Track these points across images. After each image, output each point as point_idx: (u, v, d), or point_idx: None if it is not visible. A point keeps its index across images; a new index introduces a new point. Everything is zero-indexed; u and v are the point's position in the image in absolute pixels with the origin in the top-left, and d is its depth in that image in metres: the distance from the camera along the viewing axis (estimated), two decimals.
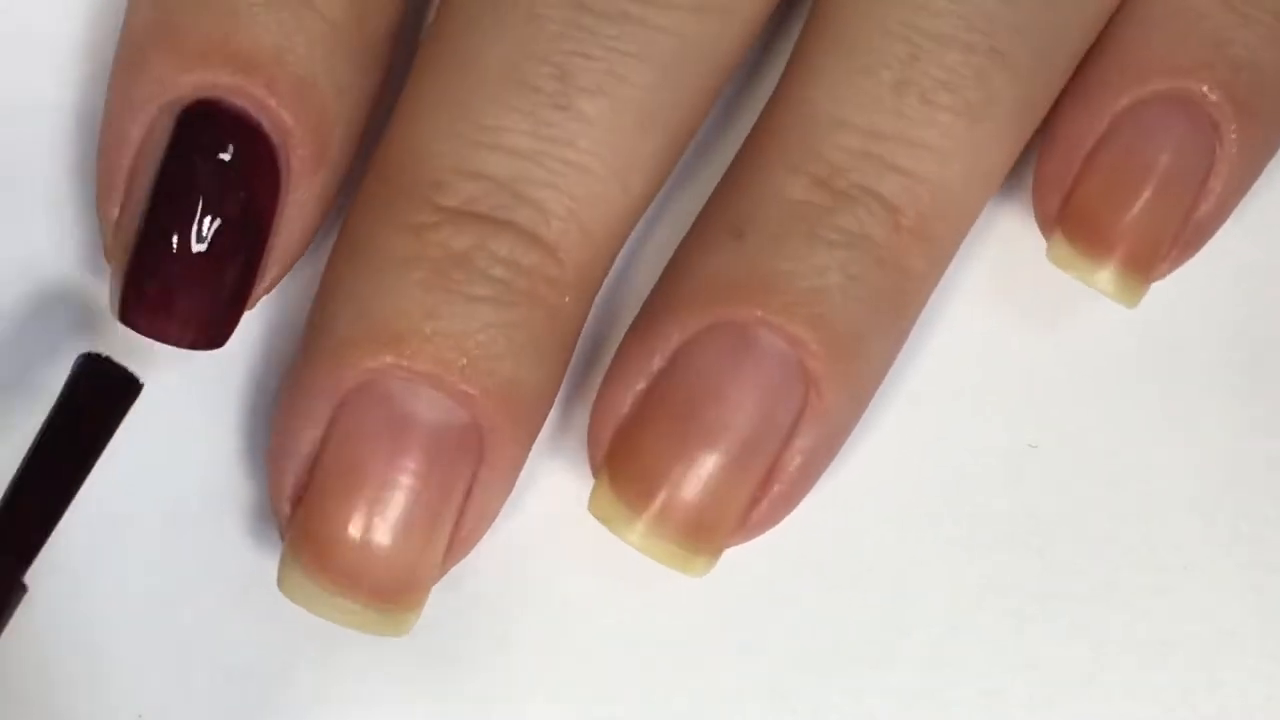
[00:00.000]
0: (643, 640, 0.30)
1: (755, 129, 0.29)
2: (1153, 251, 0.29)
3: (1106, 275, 0.29)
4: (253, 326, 0.29)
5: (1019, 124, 0.28)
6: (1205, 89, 0.28)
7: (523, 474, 0.28)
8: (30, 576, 0.26)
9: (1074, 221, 0.29)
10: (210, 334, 0.27)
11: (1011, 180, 0.31)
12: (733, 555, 0.30)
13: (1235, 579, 0.30)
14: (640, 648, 0.30)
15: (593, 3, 0.27)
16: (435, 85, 0.27)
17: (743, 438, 0.28)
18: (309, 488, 0.27)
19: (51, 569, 0.28)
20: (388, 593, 0.27)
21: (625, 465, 0.28)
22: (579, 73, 0.27)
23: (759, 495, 0.28)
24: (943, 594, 0.30)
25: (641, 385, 0.28)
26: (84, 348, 0.27)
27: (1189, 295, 0.31)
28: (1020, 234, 0.31)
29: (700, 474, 0.28)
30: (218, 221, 0.27)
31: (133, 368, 0.27)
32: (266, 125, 0.27)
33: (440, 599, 0.29)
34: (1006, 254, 0.31)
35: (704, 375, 0.27)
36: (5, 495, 0.26)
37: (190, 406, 0.29)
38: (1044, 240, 0.30)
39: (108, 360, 0.27)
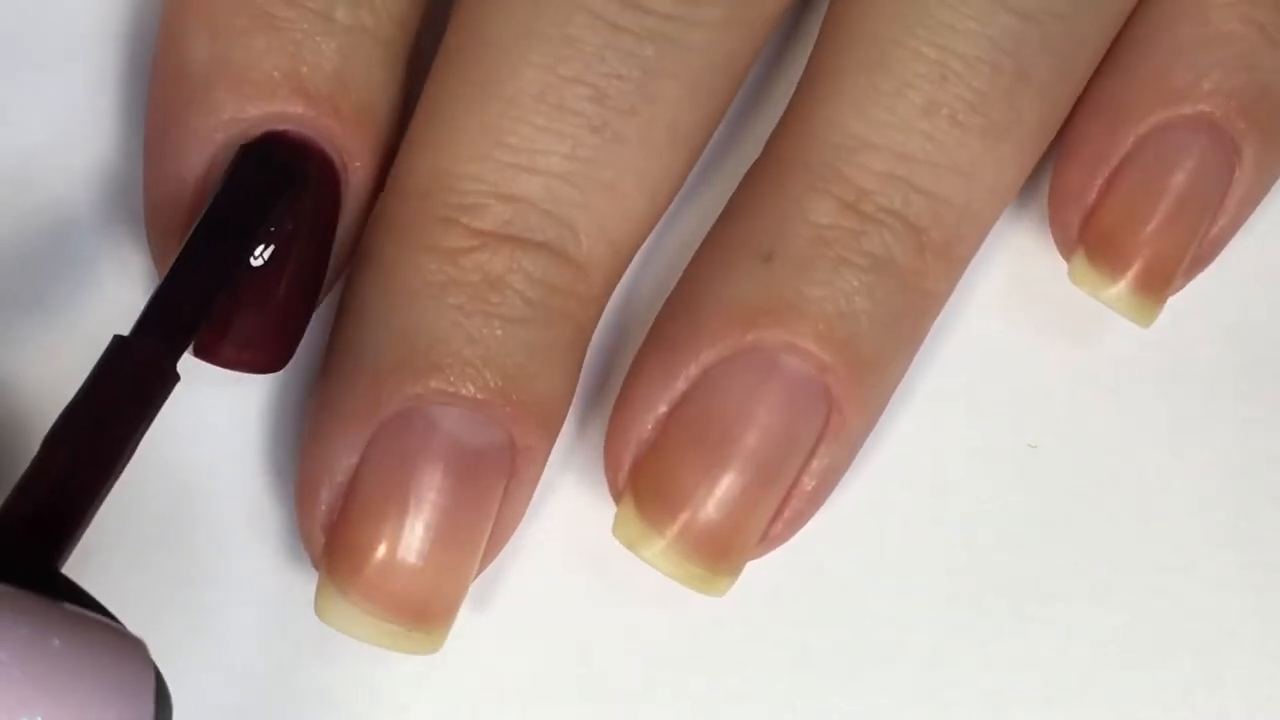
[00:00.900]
0: (643, 641, 0.30)
1: (776, 147, 0.29)
2: (1171, 271, 0.29)
3: (1127, 295, 0.29)
4: None
5: (1039, 141, 0.29)
6: (1231, 113, 0.29)
7: None
8: None
9: (1096, 242, 0.29)
10: (279, 358, 0.28)
11: None
12: None
13: (1235, 579, 0.30)
14: (640, 648, 0.30)
15: (628, 24, 0.27)
16: (465, 108, 0.27)
17: (767, 459, 0.28)
18: (346, 514, 0.27)
19: None
20: (429, 613, 0.27)
21: (651, 489, 0.28)
22: (615, 94, 0.27)
23: (777, 514, 0.28)
24: (943, 594, 0.30)
25: (664, 408, 0.28)
26: None
27: (1189, 296, 0.31)
28: (1020, 236, 0.31)
29: (726, 495, 0.28)
30: (286, 248, 0.27)
31: None
32: (330, 150, 0.27)
33: None
34: (1006, 256, 0.31)
35: (730, 398, 0.28)
36: (159, 285, 0.26)
37: (193, 413, 0.29)
38: (1045, 244, 0.30)
39: (268, 150, 0.27)
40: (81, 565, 0.28)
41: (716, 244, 0.29)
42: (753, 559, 0.29)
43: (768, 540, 0.29)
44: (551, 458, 0.28)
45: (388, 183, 0.28)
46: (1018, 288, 0.31)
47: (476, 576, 0.28)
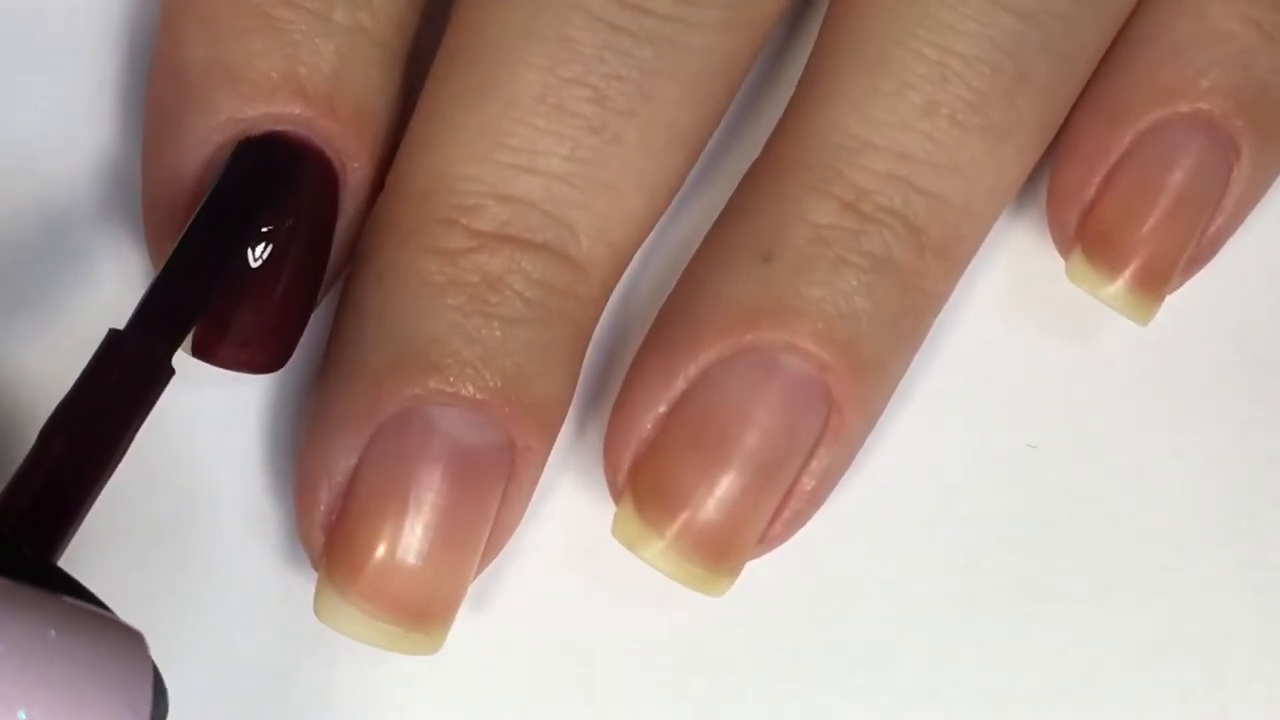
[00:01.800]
0: (643, 641, 0.30)
1: (775, 148, 0.29)
2: (1169, 269, 0.29)
3: (1125, 293, 0.29)
4: None
5: (1039, 141, 0.29)
6: (1230, 111, 0.29)
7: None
8: None
9: (1094, 240, 0.29)
10: (278, 358, 0.28)
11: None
12: None
13: (1235, 579, 0.30)
14: (640, 648, 0.30)
15: (626, 24, 0.27)
16: (464, 110, 0.27)
17: (767, 459, 0.28)
18: (346, 514, 0.27)
19: None
20: (428, 614, 0.27)
21: (650, 489, 0.28)
22: (614, 95, 0.27)
23: (777, 514, 0.28)
24: (943, 594, 0.30)
25: (663, 408, 0.28)
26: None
27: (1189, 295, 0.31)
28: (1020, 236, 0.31)
29: (725, 496, 0.28)
30: (283, 247, 0.27)
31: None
32: (329, 151, 0.27)
33: None
34: (1006, 256, 0.31)
35: (730, 398, 0.28)
36: (155, 279, 0.26)
37: (191, 413, 0.29)
38: (1045, 244, 0.30)
39: (269, 146, 0.27)
40: (82, 565, 0.28)
41: (716, 244, 0.29)
42: (752, 559, 0.29)
43: (767, 540, 0.29)
44: (551, 458, 0.28)
45: (387, 183, 0.28)
46: (1018, 288, 0.31)
47: (475, 577, 0.28)
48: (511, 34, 0.27)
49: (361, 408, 0.27)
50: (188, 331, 0.26)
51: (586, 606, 0.30)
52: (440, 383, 0.27)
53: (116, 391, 0.25)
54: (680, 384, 0.28)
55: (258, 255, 0.27)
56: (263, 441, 0.29)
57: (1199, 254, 0.30)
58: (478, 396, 0.27)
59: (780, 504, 0.28)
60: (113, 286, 0.29)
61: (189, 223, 0.26)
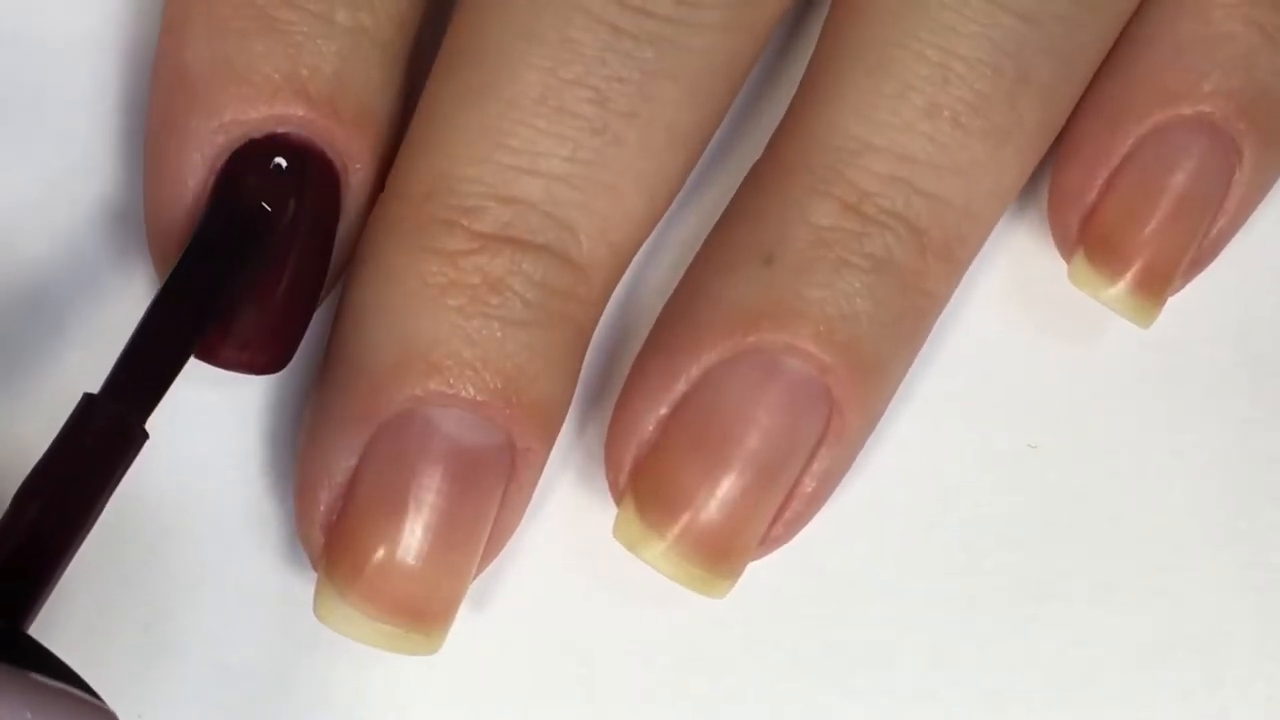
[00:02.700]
0: (643, 641, 0.30)
1: (777, 149, 0.29)
2: (1171, 272, 0.29)
3: (1126, 296, 0.29)
4: None
5: (1040, 143, 0.29)
6: (1232, 114, 0.29)
7: None
8: None
9: (1096, 243, 0.29)
10: (278, 359, 0.28)
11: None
12: None
13: (1235, 579, 0.30)
14: (640, 648, 0.30)
15: (628, 26, 0.27)
16: (465, 111, 0.27)
17: (768, 461, 0.28)
18: (345, 515, 0.27)
19: None
20: (427, 614, 0.27)
21: (652, 490, 0.28)
22: (616, 97, 0.27)
23: (778, 515, 0.28)
24: (943, 594, 0.30)
25: (665, 410, 0.28)
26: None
27: (1189, 295, 0.31)
28: (1021, 237, 0.31)
29: (727, 497, 0.28)
30: (286, 249, 0.27)
31: None
32: (330, 152, 0.27)
33: None
34: (1006, 256, 0.31)
35: (731, 400, 0.28)
36: (129, 341, 0.26)
37: (192, 413, 0.29)
38: (1045, 244, 0.30)
39: (238, 205, 0.27)
40: (82, 565, 0.28)
41: (718, 246, 0.29)
42: (753, 560, 0.29)
43: (768, 541, 0.29)
44: (551, 458, 0.28)
45: (388, 184, 0.28)
46: (1018, 288, 0.31)
47: (475, 578, 0.28)
48: (512, 35, 0.27)
49: (362, 408, 0.27)
50: (161, 396, 0.26)
51: (586, 606, 0.30)
52: (441, 384, 0.27)
53: (88, 460, 0.25)
54: (681, 386, 0.28)
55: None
56: (263, 442, 0.29)
57: (1200, 256, 0.30)
58: (478, 398, 0.27)
59: (781, 505, 0.28)
60: (114, 290, 0.29)
61: (162, 285, 0.26)
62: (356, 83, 0.27)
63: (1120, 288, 0.29)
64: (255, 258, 0.27)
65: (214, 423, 0.29)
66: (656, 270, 0.30)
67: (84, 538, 0.25)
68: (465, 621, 0.29)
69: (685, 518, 0.28)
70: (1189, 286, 0.30)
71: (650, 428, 0.28)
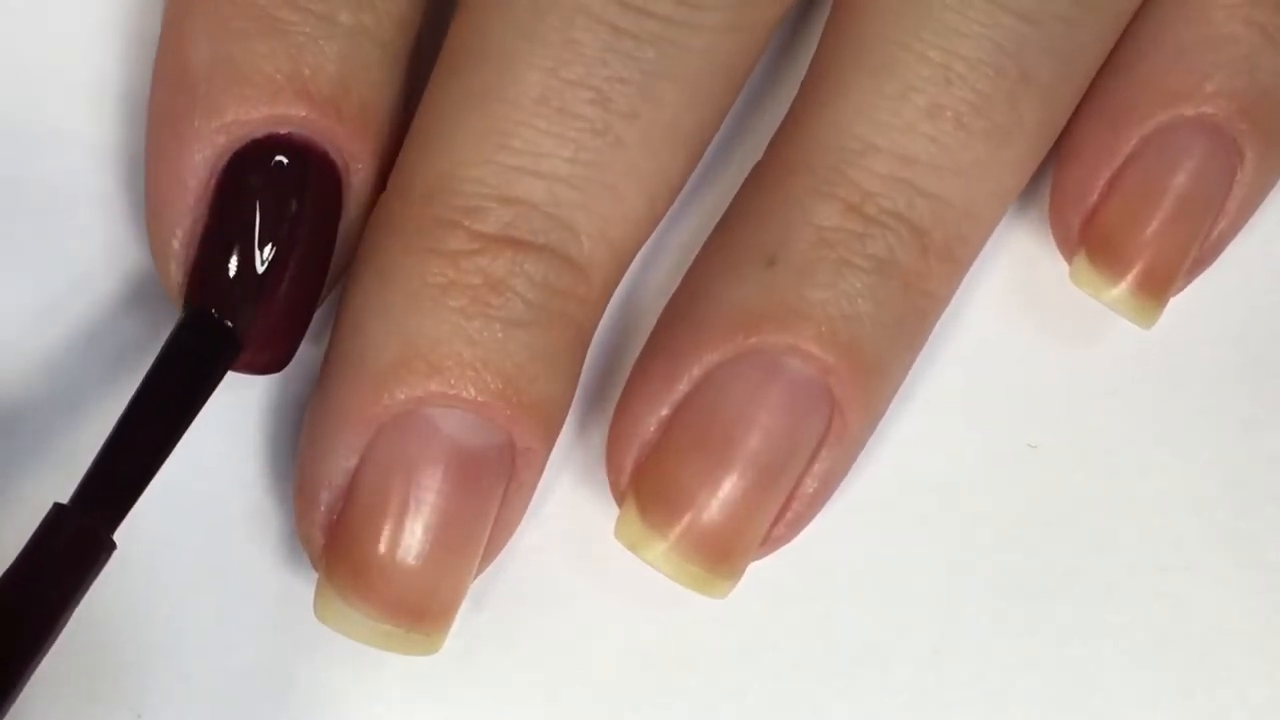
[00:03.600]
0: (643, 641, 0.30)
1: (779, 150, 0.29)
2: (1173, 273, 0.29)
3: (1128, 297, 0.29)
4: None
5: (1041, 143, 0.29)
6: (1233, 115, 0.29)
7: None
8: None
9: (1097, 243, 0.29)
10: (274, 360, 0.28)
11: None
12: None
13: (1235, 579, 0.30)
14: (640, 648, 0.30)
15: (629, 27, 0.27)
16: (467, 111, 0.27)
17: (769, 461, 0.28)
18: (346, 516, 0.27)
19: None
20: (428, 614, 0.27)
21: (653, 491, 0.28)
22: (617, 97, 0.27)
23: (779, 516, 0.28)
24: (943, 594, 0.30)
25: (666, 410, 0.28)
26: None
27: (1189, 295, 0.31)
28: (1022, 237, 0.31)
29: (728, 498, 0.28)
30: (287, 249, 0.27)
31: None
32: (332, 152, 0.27)
33: None
34: (1008, 257, 0.31)
35: (733, 401, 0.28)
36: (100, 452, 0.26)
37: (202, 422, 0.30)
38: (1046, 245, 0.30)
39: (209, 316, 0.27)
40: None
41: (719, 247, 0.29)
42: (755, 560, 0.29)
43: (770, 542, 0.29)
44: (551, 458, 0.28)
45: (390, 184, 0.28)
46: (1019, 288, 0.31)
47: (475, 578, 0.28)
48: (514, 35, 0.27)
49: (363, 408, 0.27)
50: (130, 507, 0.26)
51: (586, 607, 0.30)
52: (442, 384, 0.27)
53: (57, 570, 0.25)
54: (683, 386, 0.28)
55: (263, 258, 0.27)
56: (264, 443, 0.29)
57: (1202, 257, 0.30)
58: (479, 398, 0.27)
59: (783, 506, 0.28)
60: (114, 290, 0.29)
61: (133, 396, 0.27)
62: (358, 83, 0.27)
63: (1122, 288, 0.29)
64: (222, 368, 0.27)
65: (215, 423, 0.29)
66: (658, 271, 0.30)
67: (49, 648, 0.25)
68: (466, 622, 0.29)
69: (686, 518, 0.28)
70: (1190, 287, 0.30)
71: (651, 429, 0.28)
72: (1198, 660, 0.30)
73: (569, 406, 0.28)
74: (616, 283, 0.28)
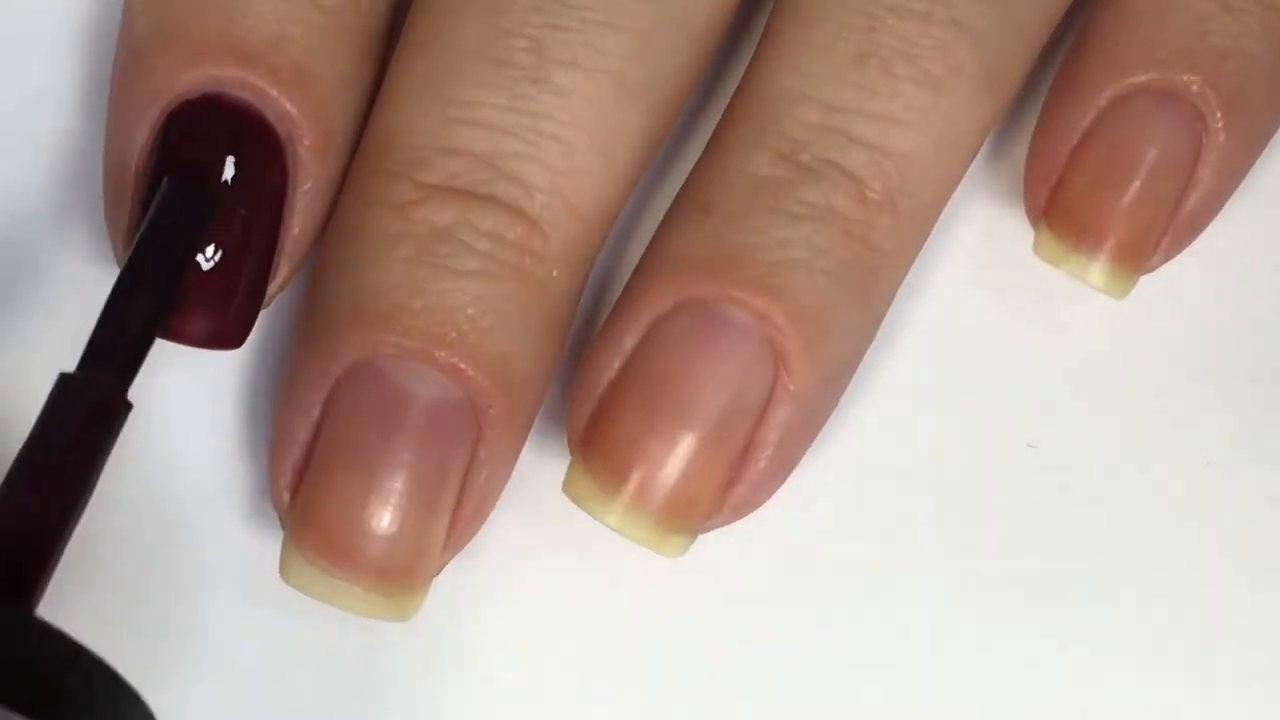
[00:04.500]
0: (642, 641, 0.30)
1: (727, 107, 0.29)
2: (1139, 242, 0.29)
3: (1093, 267, 0.29)
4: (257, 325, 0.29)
5: (985, 95, 0.28)
6: (1187, 79, 0.28)
7: (525, 471, 0.29)
8: None
9: (1058, 215, 0.29)
10: (230, 333, 0.28)
11: (1009, 175, 0.31)
12: (732, 556, 0.30)
13: (1235, 579, 0.30)
14: (640, 649, 0.30)
15: None
16: (412, 67, 0.28)
17: (713, 415, 0.27)
18: (306, 472, 0.27)
19: None
20: (389, 575, 0.27)
21: (599, 445, 0.28)
22: (553, 45, 0.27)
23: (735, 475, 0.28)
24: (943, 594, 0.30)
25: (617, 364, 0.28)
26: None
27: (1189, 294, 0.31)
28: (1021, 230, 0.31)
29: (671, 452, 0.27)
30: (230, 218, 0.27)
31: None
32: (271, 116, 0.27)
33: (441, 598, 0.29)
34: (1006, 253, 0.31)
35: (674, 352, 0.27)
36: (105, 304, 0.26)
37: (189, 407, 0.29)
38: None
39: (192, 181, 0.27)
40: (83, 565, 0.28)
41: (671, 204, 0.29)
42: (723, 524, 0.28)
43: (733, 505, 0.28)
44: (552, 454, 0.28)
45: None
46: (1019, 288, 0.31)
47: (453, 549, 0.28)
48: None
49: (317, 362, 0.27)
50: (138, 367, 0.26)
51: (586, 606, 0.30)
52: (390, 334, 0.27)
53: (76, 437, 0.25)
54: (630, 340, 0.28)
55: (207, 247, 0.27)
56: (262, 439, 0.29)
57: (1180, 230, 0.29)
58: (428, 349, 0.27)
59: (742, 464, 0.28)
60: (84, 274, 0.29)
61: (128, 257, 0.26)
62: (295, 45, 0.27)
63: (1087, 258, 0.29)
64: (213, 220, 0.27)
65: (216, 423, 0.30)
66: None
67: (79, 516, 0.25)
68: (467, 621, 0.29)
69: (630, 472, 0.27)
70: (1190, 287, 0.30)
71: (603, 384, 0.28)
72: (1198, 660, 0.30)
73: (543, 373, 0.28)
74: (588, 248, 0.28)
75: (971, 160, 0.29)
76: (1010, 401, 0.31)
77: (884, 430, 0.30)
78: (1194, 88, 0.28)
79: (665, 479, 0.27)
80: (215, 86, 0.27)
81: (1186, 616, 0.30)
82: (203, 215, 0.27)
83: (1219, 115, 0.29)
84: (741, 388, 0.27)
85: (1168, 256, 0.29)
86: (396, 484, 0.27)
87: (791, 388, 0.28)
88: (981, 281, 0.31)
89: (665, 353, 0.28)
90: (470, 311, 0.27)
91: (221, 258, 0.27)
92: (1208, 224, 0.30)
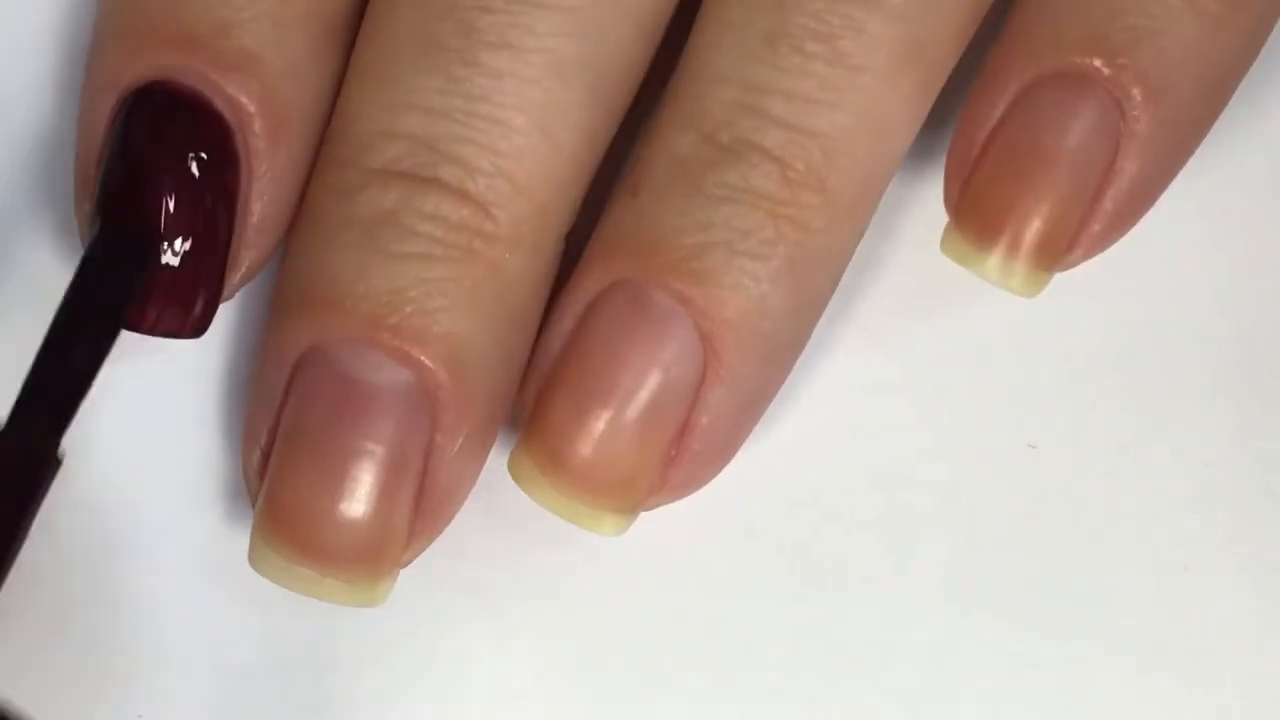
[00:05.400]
0: (643, 640, 0.30)
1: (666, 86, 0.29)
2: (1050, 238, 0.28)
3: (994, 264, 0.28)
4: (232, 316, 0.30)
5: (907, 72, 0.28)
6: (1098, 64, 0.27)
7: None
8: (29, 577, 0.26)
9: (965, 210, 0.28)
10: (192, 322, 0.28)
11: None
12: (732, 556, 0.30)
13: (1235, 579, 0.30)
14: (640, 648, 0.30)
15: None
16: (359, 55, 0.28)
17: (641, 397, 0.27)
18: (270, 460, 0.27)
19: (50, 570, 0.28)
20: (349, 561, 0.27)
21: (535, 426, 0.28)
22: (481, 26, 0.27)
23: (674, 456, 0.28)
24: (942, 594, 0.30)
25: (558, 345, 0.28)
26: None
27: (1188, 294, 0.31)
28: None
29: (599, 433, 0.27)
30: (182, 205, 0.27)
31: (122, 367, 0.27)
32: (218, 103, 0.27)
33: (441, 597, 0.29)
34: None
35: (602, 336, 0.28)
36: (38, 354, 0.26)
37: (188, 405, 0.29)
38: None
39: (122, 228, 0.27)
40: (82, 565, 0.28)
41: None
42: (666, 502, 0.28)
43: (675, 484, 0.28)
44: None
45: None
46: None
47: (423, 538, 0.28)
48: None
49: (274, 351, 0.28)
50: (72, 416, 0.26)
51: (585, 606, 0.30)
52: (334, 319, 0.27)
53: (5, 492, 0.25)
54: (569, 322, 0.28)
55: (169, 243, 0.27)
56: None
57: (1104, 224, 0.28)
58: (372, 334, 0.27)
59: (679, 444, 0.28)
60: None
61: (59, 307, 0.26)
62: (241, 30, 0.27)
63: (989, 254, 0.28)
64: (140, 271, 0.27)
65: (217, 422, 0.30)
66: None
67: (7, 570, 0.25)
68: (462, 619, 0.29)
69: (560, 453, 0.28)
70: (1189, 286, 0.30)
71: (546, 366, 0.28)
72: (1198, 660, 0.30)
73: (502, 357, 0.28)
74: (544, 225, 0.28)
75: (906, 138, 0.28)
76: (1010, 401, 0.31)
77: (884, 430, 0.30)
78: (1106, 73, 0.27)
79: (593, 460, 0.28)
80: (163, 74, 0.27)
81: (1186, 616, 0.30)
82: (138, 259, 0.27)
83: (1138, 101, 0.27)
84: (669, 370, 0.27)
85: (1091, 252, 0.28)
86: (349, 471, 0.27)
87: (721, 371, 0.28)
88: (982, 281, 0.31)
89: (596, 335, 0.28)
90: (413, 293, 0.27)
91: (179, 247, 0.27)
92: (1139, 216, 0.28)
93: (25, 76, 0.30)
